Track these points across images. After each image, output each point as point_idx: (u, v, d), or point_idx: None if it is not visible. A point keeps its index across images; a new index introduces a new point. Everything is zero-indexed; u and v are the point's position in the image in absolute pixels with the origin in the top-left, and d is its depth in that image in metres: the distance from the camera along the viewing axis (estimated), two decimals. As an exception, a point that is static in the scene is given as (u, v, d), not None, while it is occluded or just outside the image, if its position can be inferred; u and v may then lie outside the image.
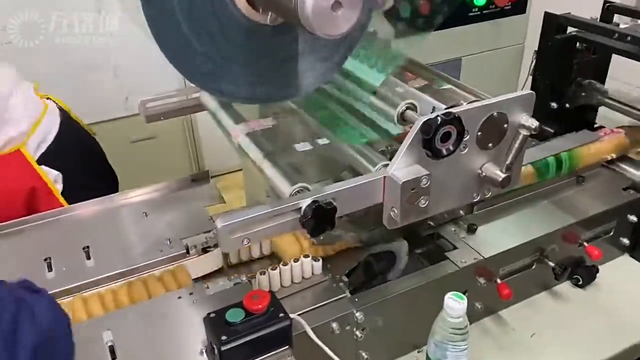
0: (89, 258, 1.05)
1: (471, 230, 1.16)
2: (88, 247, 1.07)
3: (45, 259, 1.04)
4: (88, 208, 1.19)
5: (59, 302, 0.93)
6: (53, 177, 1.32)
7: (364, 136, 0.87)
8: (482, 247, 1.12)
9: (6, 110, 1.30)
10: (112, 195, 1.22)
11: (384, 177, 0.78)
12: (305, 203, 0.73)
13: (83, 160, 1.48)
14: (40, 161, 1.35)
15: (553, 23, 1.35)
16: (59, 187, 1.37)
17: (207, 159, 2.95)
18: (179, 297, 0.94)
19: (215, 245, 1.09)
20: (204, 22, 0.67)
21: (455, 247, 1.12)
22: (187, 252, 1.06)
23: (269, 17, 0.67)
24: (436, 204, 0.82)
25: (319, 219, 0.72)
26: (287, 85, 0.74)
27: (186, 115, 1.11)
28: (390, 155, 1.05)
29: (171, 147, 2.69)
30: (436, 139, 0.74)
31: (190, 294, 0.94)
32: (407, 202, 0.77)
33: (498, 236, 1.16)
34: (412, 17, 1.04)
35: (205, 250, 1.08)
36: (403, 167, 0.78)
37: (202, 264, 1.05)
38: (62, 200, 1.35)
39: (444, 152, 0.76)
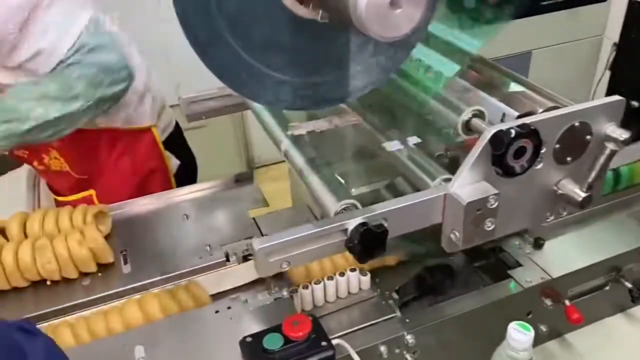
0: (125, 262, 1.01)
1: (538, 245, 1.05)
2: (126, 250, 1.03)
3: (82, 263, 1.01)
4: (128, 208, 1.15)
5: (91, 312, 0.90)
6: (173, 165, 1.31)
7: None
8: (550, 265, 1.01)
9: (150, 82, 1.31)
10: (154, 195, 1.18)
11: (445, 194, 0.68)
12: (352, 224, 0.65)
13: (186, 158, 1.47)
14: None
15: (638, 13, 1.20)
16: None
17: (257, 149, 2.91)
18: (217, 312, 0.88)
19: (257, 253, 1.02)
20: (244, 19, 0.59)
21: (519, 264, 1.01)
22: (227, 259, 1.00)
23: (318, 13, 0.59)
24: (503, 226, 0.72)
25: (368, 243, 0.64)
26: (338, 87, 0.65)
27: (229, 114, 1.04)
28: (448, 162, 0.95)
29: (221, 136, 2.66)
30: (508, 154, 0.64)
31: (228, 308, 0.88)
32: (471, 224, 0.67)
33: (568, 253, 1.04)
34: (478, 7, 0.94)
35: (246, 259, 1.01)
36: (467, 183, 0.68)
37: (243, 273, 0.98)
38: (174, 185, 1.36)
39: (517, 169, 0.66)
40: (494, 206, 0.67)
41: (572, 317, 0.99)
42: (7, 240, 0.99)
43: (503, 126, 0.65)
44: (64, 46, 1.05)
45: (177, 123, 1.46)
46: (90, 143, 1.26)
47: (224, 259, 1.00)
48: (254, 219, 1.14)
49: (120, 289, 0.94)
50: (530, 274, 0.99)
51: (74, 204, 1.29)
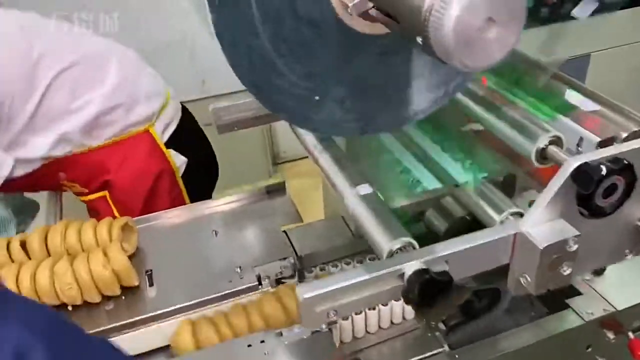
0: (151, 284, 0.94)
1: (598, 271, 0.95)
2: (151, 271, 0.96)
3: (105, 284, 0.94)
4: (153, 221, 1.08)
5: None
6: (179, 163, 1.25)
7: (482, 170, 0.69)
8: (613, 294, 0.92)
9: (137, 89, 1.26)
10: (182, 207, 1.11)
11: (515, 234, 0.60)
12: (409, 269, 0.56)
13: (199, 152, 1.40)
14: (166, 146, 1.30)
15: None
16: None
17: (282, 144, 2.83)
18: (249, 345, 0.80)
19: (292, 276, 0.95)
20: (288, 32, 0.51)
21: (578, 292, 0.92)
22: (259, 283, 0.92)
23: (382, 28, 0.50)
24: (579, 267, 0.63)
25: (429, 293, 0.55)
26: (390, 112, 0.56)
27: (263, 124, 0.96)
28: (503, 183, 0.86)
29: (245, 131, 2.58)
30: (597, 194, 0.55)
31: (262, 342, 0.80)
32: (546, 269, 0.58)
33: (631, 279, 0.94)
34: (535, 7, 0.85)
35: (279, 282, 0.94)
36: (543, 221, 0.59)
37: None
38: (184, 189, 1.27)
39: (607, 210, 0.57)
40: (574, 249, 0.58)
41: (637, 353, 0.89)
42: (28, 255, 0.93)
43: (587, 157, 0.56)
44: None
45: (182, 117, 1.38)
46: (93, 160, 1.22)
47: (256, 282, 0.92)
48: (285, 232, 1.07)
49: (146, 316, 0.87)
50: (591, 304, 0.90)
51: (91, 204, 1.26)
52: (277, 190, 1.14)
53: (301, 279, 0.96)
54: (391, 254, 0.61)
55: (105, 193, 1.24)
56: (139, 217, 1.07)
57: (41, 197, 1.29)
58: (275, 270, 0.94)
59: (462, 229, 0.88)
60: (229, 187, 1.20)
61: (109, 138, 1.20)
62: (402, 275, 0.57)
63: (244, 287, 0.91)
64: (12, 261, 0.92)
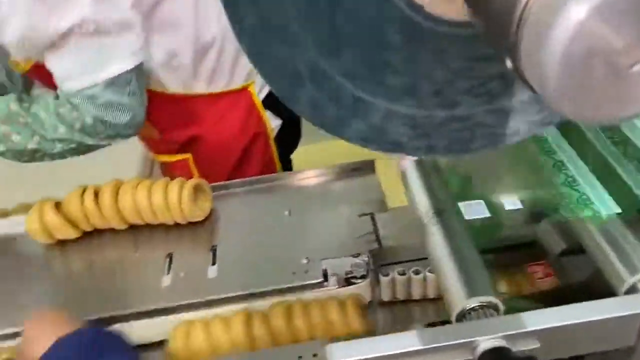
0: (213, 263, 0.87)
1: None
2: (215, 247, 0.89)
3: (167, 255, 0.89)
4: (230, 190, 1.00)
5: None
6: (274, 125, 1.17)
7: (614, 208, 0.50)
8: None
9: None
10: (259, 177, 1.02)
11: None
12: (483, 344, 0.42)
13: (290, 114, 1.29)
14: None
15: None
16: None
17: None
18: (300, 357, 0.71)
19: (363, 277, 0.83)
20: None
21: None
22: (325, 279, 0.82)
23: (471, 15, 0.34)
24: None
25: (503, 387, 0.41)
26: (488, 127, 0.40)
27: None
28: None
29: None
30: None
31: (314, 355, 0.71)
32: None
33: None
34: None
35: (348, 282, 0.82)
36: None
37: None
38: (275, 153, 1.21)
39: None
40: None
41: None
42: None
43: None
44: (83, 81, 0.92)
45: None
46: (183, 109, 1.11)
47: (321, 279, 0.82)
48: (372, 215, 0.94)
49: (203, 299, 0.81)
50: None
51: (172, 166, 1.20)
52: (364, 168, 1.01)
53: (374, 281, 0.83)
54: (462, 316, 0.46)
55: (189, 156, 1.16)
56: (213, 183, 1.00)
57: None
58: (346, 267, 0.83)
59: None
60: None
61: (209, 86, 1.10)
62: (473, 348, 0.43)
63: (307, 282, 0.81)
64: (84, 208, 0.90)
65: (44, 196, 0.95)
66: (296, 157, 1.37)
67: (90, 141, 0.98)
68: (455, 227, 0.53)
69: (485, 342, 0.42)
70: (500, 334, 0.42)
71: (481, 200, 0.63)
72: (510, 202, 0.78)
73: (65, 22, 0.86)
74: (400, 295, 0.83)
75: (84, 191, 0.93)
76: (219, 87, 1.11)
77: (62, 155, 1.00)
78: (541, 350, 0.43)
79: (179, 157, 1.17)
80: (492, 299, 0.46)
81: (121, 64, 0.92)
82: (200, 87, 1.10)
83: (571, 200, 0.60)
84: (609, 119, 0.25)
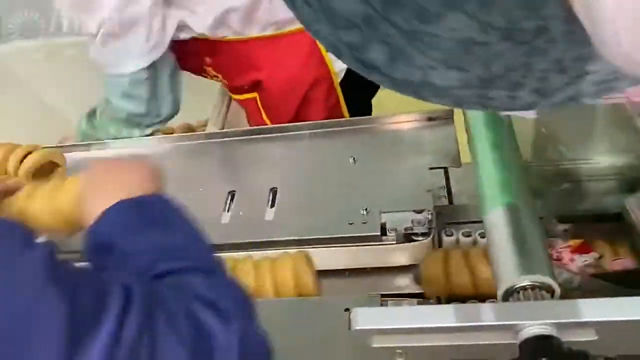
0: (272, 205, 0.86)
1: None
2: (276, 189, 0.88)
3: (230, 192, 0.89)
4: (294, 132, 0.98)
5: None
6: (338, 68, 1.13)
7: None
8: None
9: None
10: (324, 121, 0.98)
11: None
12: (527, 330, 0.36)
13: None
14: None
15: None
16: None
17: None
18: (346, 309, 0.68)
19: (425, 234, 0.78)
20: None
21: None
22: (383, 234, 0.78)
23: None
24: None
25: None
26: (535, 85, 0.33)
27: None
28: None
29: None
30: None
31: (346, 310, 0.68)
32: None
33: None
34: None
35: (408, 238, 0.78)
36: None
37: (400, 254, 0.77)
38: (342, 98, 1.17)
39: None
40: None
41: None
42: None
43: None
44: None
45: None
46: (244, 53, 1.09)
47: (379, 233, 0.78)
48: (445, 169, 0.88)
49: (256, 240, 0.80)
50: None
51: (243, 104, 1.19)
52: (441, 118, 0.94)
53: (437, 241, 0.78)
54: (510, 294, 0.40)
55: (255, 95, 1.14)
56: (275, 125, 0.97)
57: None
58: (406, 223, 0.78)
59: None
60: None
61: (267, 28, 1.08)
62: (516, 332, 0.38)
63: (363, 234, 0.78)
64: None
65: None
66: (377, 102, 1.31)
67: (137, 133, 1.10)
68: (520, 193, 0.47)
69: (531, 328, 0.37)
70: (550, 321, 0.37)
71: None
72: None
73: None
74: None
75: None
76: (274, 29, 1.08)
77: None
78: (597, 344, 0.37)
79: (247, 96, 1.16)
80: (548, 279, 0.40)
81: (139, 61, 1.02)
82: (256, 31, 1.08)
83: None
84: None
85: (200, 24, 1.05)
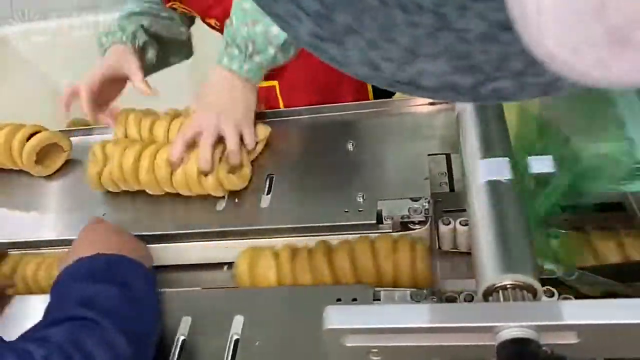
0: (268, 192, 0.84)
1: None
2: (272, 176, 0.87)
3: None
4: (293, 118, 0.96)
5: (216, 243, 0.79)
6: None
7: None
8: None
9: None
10: (323, 106, 0.96)
11: None
12: (504, 332, 0.35)
13: None
14: None
15: None
16: None
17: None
18: (338, 300, 0.67)
19: (421, 222, 0.76)
20: None
21: None
22: (379, 222, 0.76)
23: None
24: None
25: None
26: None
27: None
28: None
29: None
30: None
31: (354, 300, 0.67)
32: None
33: None
34: None
35: (404, 226, 0.76)
36: None
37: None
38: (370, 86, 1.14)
39: None
40: None
41: None
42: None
43: None
44: None
45: None
46: None
47: (374, 221, 0.76)
48: (447, 155, 0.86)
49: (252, 227, 0.80)
50: None
51: (260, 92, 1.16)
52: (443, 103, 0.91)
53: (434, 228, 0.77)
54: (489, 294, 0.39)
55: (275, 83, 1.10)
56: (278, 109, 0.96)
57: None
58: (402, 211, 0.76)
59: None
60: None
61: None
62: (495, 333, 0.36)
63: (359, 222, 0.76)
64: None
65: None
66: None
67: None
68: (506, 187, 0.45)
69: (510, 330, 0.35)
70: (529, 323, 0.35)
71: (549, 156, 0.53)
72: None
73: None
74: (462, 247, 0.75)
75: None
76: None
77: None
78: (579, 347, 0.35)
79: (266, 84, 1.13)
80: (530, 279, 0.38)
81: None
82: None
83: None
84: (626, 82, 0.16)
85: None
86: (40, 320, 0.59)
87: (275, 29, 0.82)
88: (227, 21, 0.85)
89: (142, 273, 0.66)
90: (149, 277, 0.68)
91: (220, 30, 1.03)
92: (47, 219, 0.90)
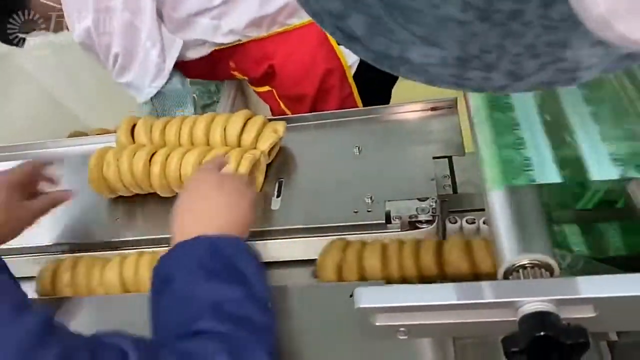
0: (278, 195, 0.87)
1: None
2: (282, 180, 0.89)
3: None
4: (300, 124, 0.98)
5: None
6: (351, 61, 1.14)
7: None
8: None
9: None
10: (329, 112, 0.99)
11: None
12: (524, 308, 0.37)
13: None
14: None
15: None
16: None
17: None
18: (351, 296, 0.69)
19: (429, 222, 0.79)
20: None
21: None
22: (388, 221, 0.79)
23: None
24: None
25: (541, 356, 0.36)
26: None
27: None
28: None
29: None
30: None
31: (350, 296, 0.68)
32: None
33: None
34: None
35: (412, 225, 0.79)
36: None
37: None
38: (355, 90, 1.18)
39: None
40: None
41: None
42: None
43: None
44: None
45: None
46: (259, 50, 1.12)
47: (383, 221, 0.79)
48: (449, 158, 0.89)
49: (264, 229, 0.82)
50: None
51: (262, 96, 1.22)
52: (445, 108, 0.94)
53: (441, 228, 0.79)
54: (510, 273, 0.41)
55: (272, 88, 1.18)
56: (285, 116, 0.99)
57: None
58: (410, 211, 0.79)
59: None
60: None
61: (275, 27, 1.09)
62: (516, 309, 0.39)
63: (368, 222, 0.79)
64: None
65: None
66: (396, 92, 1.31)
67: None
68: (521, 174, 0.47)
69: (530, 305, 0.38)
70: (548, 298, 0.37)
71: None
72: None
73: None
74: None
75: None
76: (279, 26, 1.10)
77: None
78: (596, 321, 0.38)
79: (265, 88, 1.18)
80: (547, 258, 0.41)
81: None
82: (265, 31, 1.11)
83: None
84: None
85: (221, 36, 1.10)
86: (156, 325, 0.51)
87: None
88: None
89: (255, 265, 0.57)
90: (262, 269, 0.58)
91: None
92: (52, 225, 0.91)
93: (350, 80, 1.15)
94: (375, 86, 1.20)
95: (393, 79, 1.28)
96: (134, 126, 0.94)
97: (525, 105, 0.55)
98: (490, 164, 0.48)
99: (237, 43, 1.12)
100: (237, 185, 0.64)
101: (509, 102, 0.56)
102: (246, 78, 1.21)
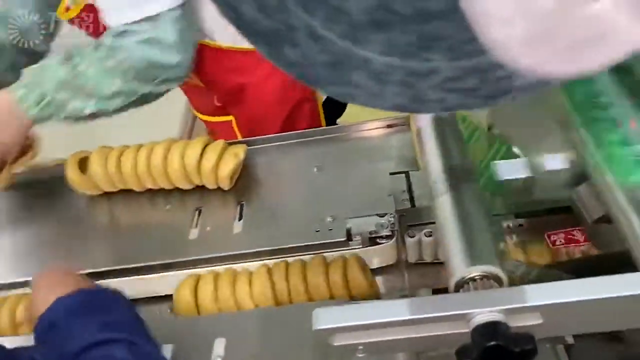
0: (240, 218, 0.87)
1: None
2: (243, 203, 0.89)
3: (197, 209, 0.90)
4: (259, 146, 0.99)
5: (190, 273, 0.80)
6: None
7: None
8: None
9: None
10: (287, 133, 1.00)
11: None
12: (477, 319, 0.39)
13: None
14: None
15: None
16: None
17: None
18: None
19: (389, 237, 0.80)
20: None
21: None
22: (349, 239, 0.80)
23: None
24: None
25: (493, 364, 0.38)
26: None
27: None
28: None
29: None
30: None
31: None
32: None
33: None
34: None
35: (373, 242, 0.80)
36: None
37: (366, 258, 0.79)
38: (323, 118, 1.17)
39: None
40: None
41: None
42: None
43: None
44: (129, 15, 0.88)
45: None
46: (231, 62, 1.05)
47: (344, 238, 0.80)
48: (406, 174, 0.91)
49: (227, 254, 0.82)
50: None
51: (216, 127, 1.19)
52: (399, 125, 0.97)
53: (401, 242, 0.81)
54: (460, 286, 0.43)
55: (231, 118, 1.13)
56: (243, 139, 0.99)
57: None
58: (370, 227, 0.80)
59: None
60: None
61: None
62: (468, 320, 0.40)
63: (330, 241, 0.80)
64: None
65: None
66: (352, 111, 1.33)
67: (146, 88, 0.93)
68: (467, 191, 0.49)
69: (481, 316, 0.39)
70: (498, 308, 0.39)
71: (523, 159, 0.58)
72: (553, 161, 0.73)
73: None
74: (427, 257, 0.80)
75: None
76: None
77: (119, 110, 0.96)
78: (543, 327, 0.39)
79: (223, 118, 1.15)
80: (495, 269, 0.43)
81: (164, 1, 0.88)
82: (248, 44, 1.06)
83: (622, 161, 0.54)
84: (569, 73, 0.20)
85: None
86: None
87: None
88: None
89: (123, 301, 0.65)
90: (131, 305, 0.66)
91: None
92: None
93: (320, 110, 1.15)
94: (333, 111, 1.21)
95: (343, 108, 1.29)
96: (85, 159, 0.92)
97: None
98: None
99: (215, 46, 1.05)
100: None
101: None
102: (201, 84, 1.12)
